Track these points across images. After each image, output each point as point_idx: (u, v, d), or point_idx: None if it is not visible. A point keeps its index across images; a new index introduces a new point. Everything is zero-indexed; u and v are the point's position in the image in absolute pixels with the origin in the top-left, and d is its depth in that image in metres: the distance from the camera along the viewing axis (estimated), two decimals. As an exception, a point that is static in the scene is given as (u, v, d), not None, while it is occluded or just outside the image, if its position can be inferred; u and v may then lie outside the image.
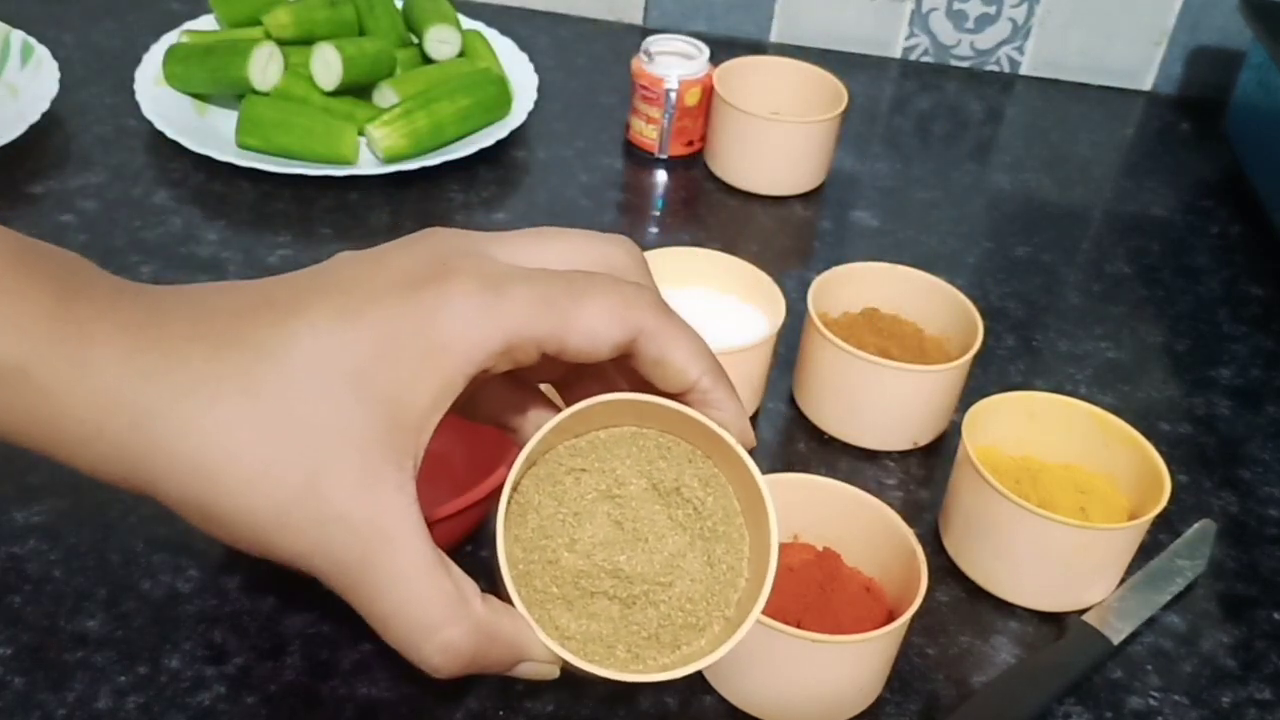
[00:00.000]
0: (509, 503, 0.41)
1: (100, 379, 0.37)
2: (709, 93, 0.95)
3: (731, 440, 0.42)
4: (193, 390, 0.37)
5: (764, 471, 0.42)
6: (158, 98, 0.92)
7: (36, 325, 0.37)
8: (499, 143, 0.93)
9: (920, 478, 0.71)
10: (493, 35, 1.04)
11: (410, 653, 0.38)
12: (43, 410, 0.38)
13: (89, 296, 0.39)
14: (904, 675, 0.59)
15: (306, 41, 0.94)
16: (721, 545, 0.42)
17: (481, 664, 0.39)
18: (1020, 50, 1.16)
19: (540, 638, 0.40)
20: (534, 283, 0.40)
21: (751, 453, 0.43)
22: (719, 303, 0.75)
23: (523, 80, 1.00)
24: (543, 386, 0.47)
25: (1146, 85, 1.17)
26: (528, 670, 0.40)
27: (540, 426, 0.41)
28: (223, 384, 0.37)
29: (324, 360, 0.38)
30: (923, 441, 0.73)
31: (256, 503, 0.38)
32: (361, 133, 0.92)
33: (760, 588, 0.41)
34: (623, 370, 0.44)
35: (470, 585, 0.39)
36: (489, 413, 0.46)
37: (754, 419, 0.74)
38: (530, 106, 0.97)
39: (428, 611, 0.38)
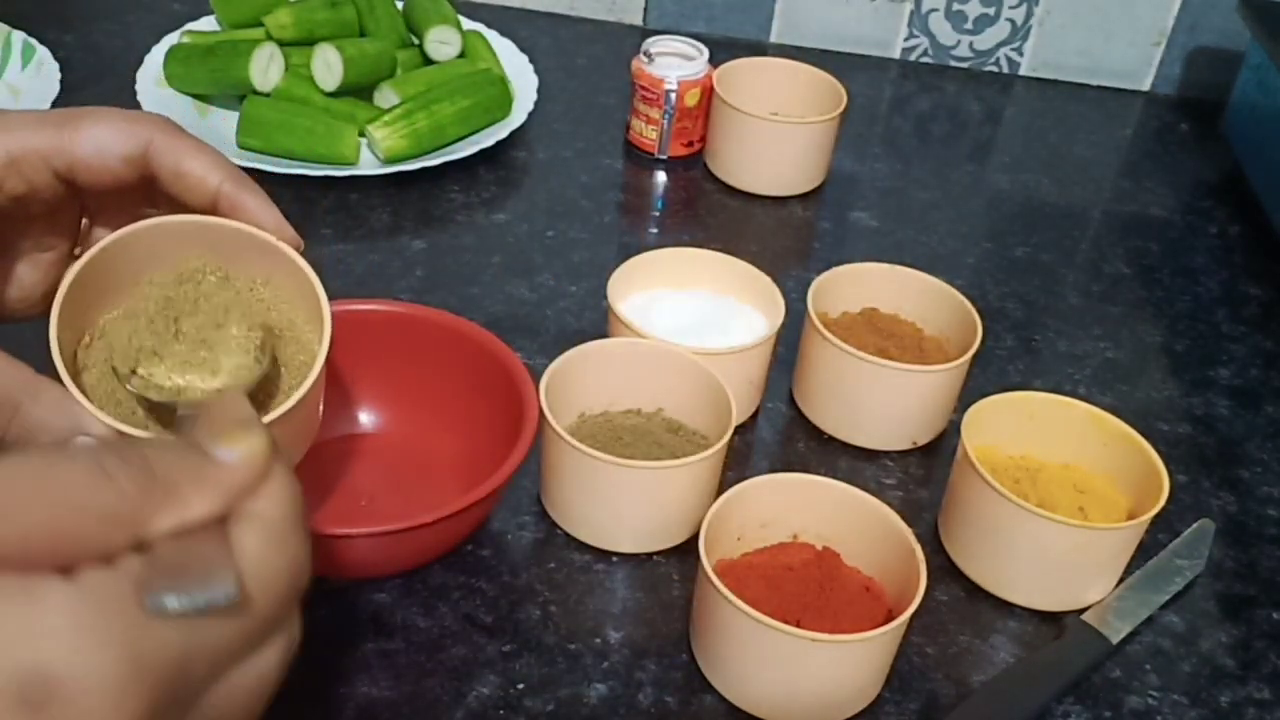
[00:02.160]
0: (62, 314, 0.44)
1: None
2: (709, 93, 0.95)
3: (267, 236, 0.46)
4: None
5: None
6: (159, 98, 0.92)
7: None
8: (499, 143, 0.93)
9: (919, 477, 0.71)
10: (493, 36, 1.05)
11: None
12: None
13: None
14: (903, 674, 0.59)
15: (307, 42, 0.94)
16: (291, 346, 0.47)
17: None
18: (1019, 51, 1.16)
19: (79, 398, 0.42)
20: (38, 113, 0.43)
21: (310, 260, 0.46)
22: (719, 303, 0.75)
23: (523, 81, 1.00)
24: None
25: (1145, 86, 1.17)
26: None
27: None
28: None
29: None
30: (922, 441, 0.73)
31: None
32: (362, 133, 0.92)
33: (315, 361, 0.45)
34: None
35: None
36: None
37: (754, 419, 0.74)
38: (530, 107, 0.97)
39: None
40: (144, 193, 0.46)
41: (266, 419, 0.43)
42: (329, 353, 0.46)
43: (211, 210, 0.46)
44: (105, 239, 0.44)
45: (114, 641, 0.28)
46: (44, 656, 0.27)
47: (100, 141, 0.43)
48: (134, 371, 0.44)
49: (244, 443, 0.33)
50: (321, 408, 0.49)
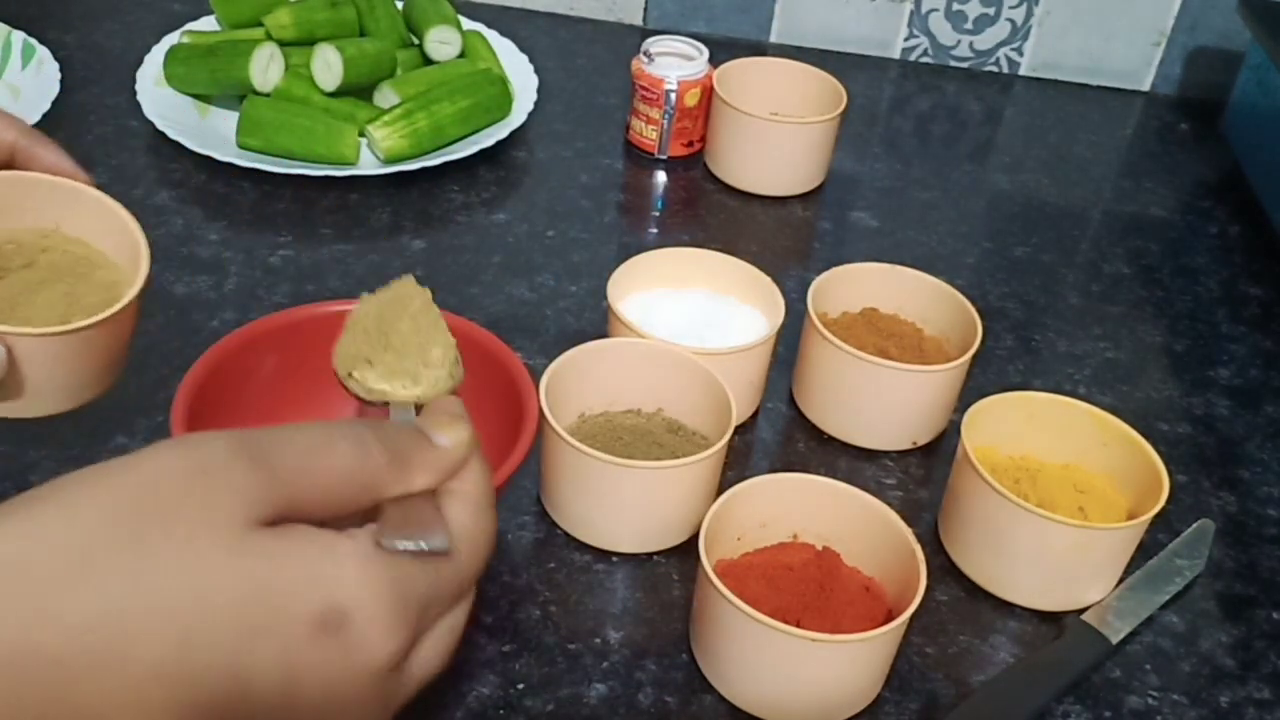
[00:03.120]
0: None
1: None
2: (709, 93, 0.95)
3: (70, 181, 0.50)
4: None
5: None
6: (159, 98, 0.92)
7: None
8: (499, 143, 0.93)
9: (919, 477, 0.71)
10: (493, 36, 1.05)
11: None
12: None
13: None
14: (903, 674, 0.59)
15: (307, 42, 0.94)
16: (104, 271, 0.51)
17: None
18: (1019, 51, 1.16)
19: None
20: None
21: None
22: (719, 303, 0.75)
23: (523, 81, 1.00)
24: None
25: (1145, 86, 1.17)
26: None
27: None
28: None
29: None
30: (922, 441, 0.73)
31: None
32: (362, 133, 0.92)
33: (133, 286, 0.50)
34: None
35: None
36: None
37: (754, 419, 0.74)
38: (530, 107, 0.97)
39: None
40: None
41: (92, 320, 0.48)
42: (147, 276, 0.50)
43: (7, 165, 0.50)
44: None
45: (384, 580, 0.35)
46: (341, 594, 0.34)
47: None
48: (350, 375, 0.53)
49: (456, 432, 0.40)
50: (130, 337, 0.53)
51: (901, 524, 0.58)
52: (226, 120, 0.93)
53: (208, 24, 1.00)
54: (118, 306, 0.49)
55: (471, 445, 0.40)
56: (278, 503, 0.34)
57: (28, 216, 0.51)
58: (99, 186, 0.51)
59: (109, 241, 0.52)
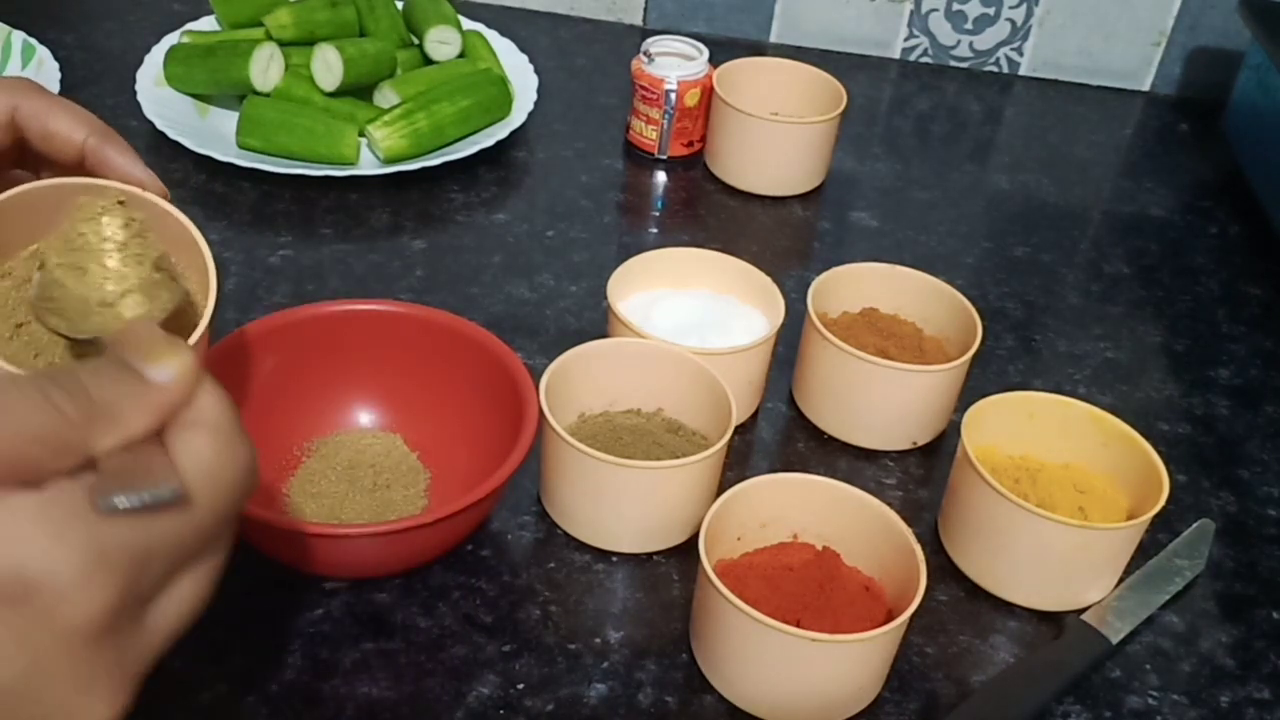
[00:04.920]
0: None
1: None
2: (709, 93, 0.95)
3: (136, 190, 0.48)
4: None
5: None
6: (159, 98, 0.92)
7: None
8: (499, 143, 0.93)
9: (919, 477, 0.71)
10: (493, 36, 1.05)
11: None
12: None
13: None
14: (903, 674, 0.59)
15: (307, 42, 0.94)
16: (165, 292, 0.47)
17: None
18: (1019, 51, 1.16)
19: None
20: None
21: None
22: (719, 303, 0.75)
23: (523, 81, 1.00)
24: None
25: (1145, 86, 1.17)
26: None
27: None
28: None
29: None
30: (922, 441, 0.73)
31: None
32: (362, 133, 0.92)
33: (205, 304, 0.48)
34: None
35: None
36: None
37: (754, 419, 0.74)
38: (530, 107, 0.97)
39: None
40: (14, 156, 0.48)
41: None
42: (217, 297, 0.49)
43: (80, 166, 0.48)
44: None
45: (79, 540, 0.31)
46: (18, 557, 0.30)
47: None
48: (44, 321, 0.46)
49: (173, 361, 0.35)
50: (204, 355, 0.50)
51: (901, 524, 0.58)
52: (226, 120, 0.93)
53: (208, 24, 1.00)
54: (196, 336, 0.47)
55: (194, 371, 0.35)
56: None
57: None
58: (170, 199, 0.49)
59: (177, 257, 0.50)
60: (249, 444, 0.36)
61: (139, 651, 0.34)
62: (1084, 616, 0.63)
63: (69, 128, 0.48)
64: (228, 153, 0.88)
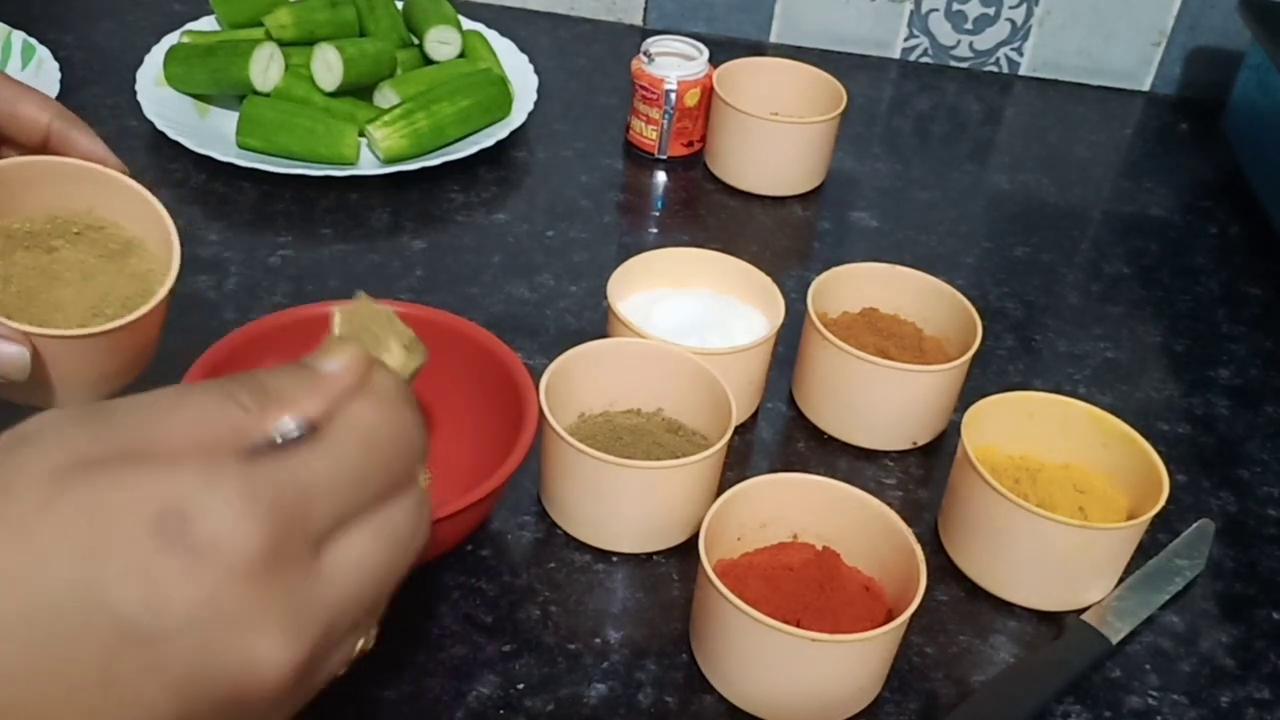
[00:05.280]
0: None
1: None
2: (709, 93, 0.95)
3: (101, 168, 0.52)
4: None
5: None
6: (159, 98, 0.92)
7: None
8: (499, 143, 0.93)
9: (919, 477, 0.71)
10: (493, 36, 1.05)
11: None
12: None
13: None
14: (903, 674, 0.59)
15: (307, 42, 0.94)
16: (143, 262, 0.53)
17: None
18: (1019, 51, 1.16)
19: None
20: None
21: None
22: (719, 303, 0.75)
23: (523, 81, 1.00)
24: None
25: (1145, 86, 1.17)
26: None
27: None
28: None
29: None
30: (922, 441, 0.73)
31: None
32: (362, 133, 0.92)
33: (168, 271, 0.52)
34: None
35: None
36: None
37: (754, 419, 0.74)
38: (530, 107, 0.97)
39: None
40: None
41: (120, 322, 0.49)
42: (180, 268, 0.52)
43: (42, 148, 0.52)
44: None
45: (230, 481, 0.32)
46: (174, 495, 0.32)
47: None
48: None
49: (342, 354, 0.37)
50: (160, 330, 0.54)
51: (901, 524, 0.58)
52: (226, 120, 0.93)
53: (208, 24, 1.00)
54: (145, 309, 0.50)
55: (364, 360, 0.37)
56: (108, 450, 0.32)
57: (62, 200, 0.52)
58: (132, 175, 0.52)
59: (141, 229, 0.53)
60: (414, 410, 0.38)
61: (315, 598, 0.35)
62: (1084, 616, 0.63)
63: (35, 112, 0.52)
64: (228, 153, 0.88)
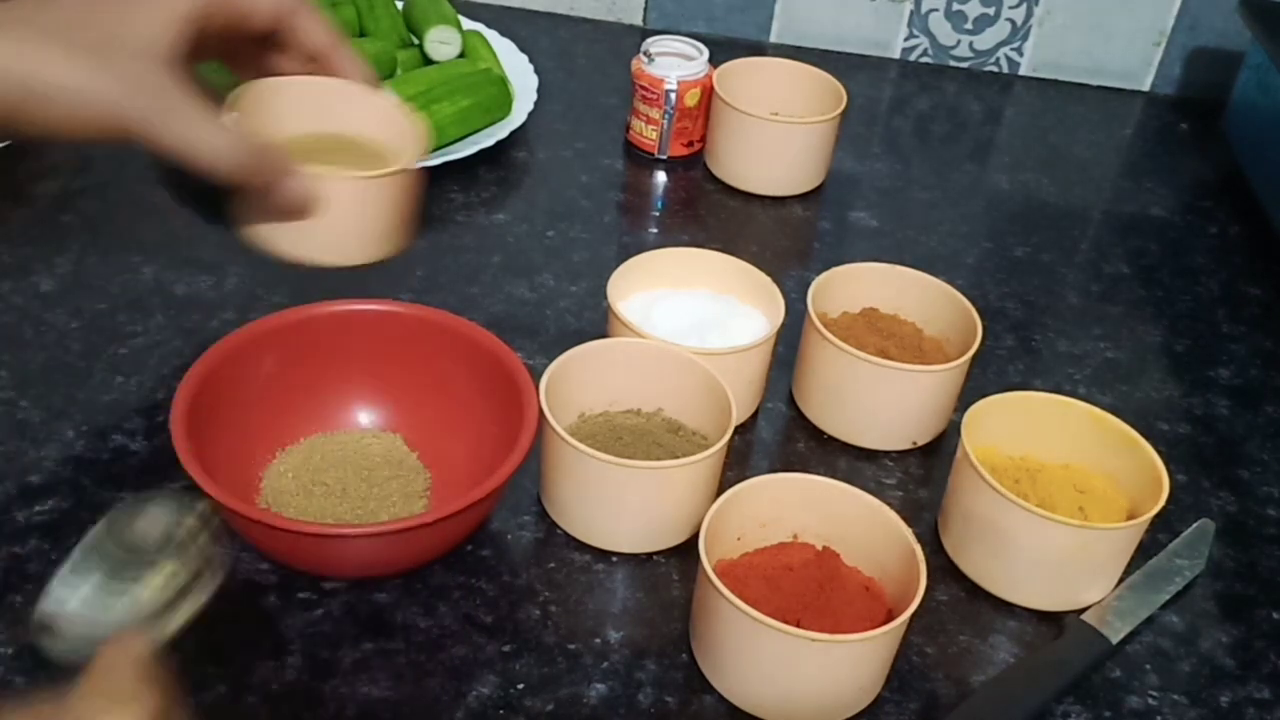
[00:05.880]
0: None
1: None
2: (709, 93, 0.95)
3: (361, 85, 0.62)
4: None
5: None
6: (158, 98, 0.92)
7: None
8: (499, 143, 0.93)
9: (919, 477, 0.71)
10: (493, 36, 1.05)
11: (208, 160, 0.56)
12: None
13: None
14: (903, 674, 0.59)
15: (307, 42, 0.94)
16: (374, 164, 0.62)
17: (250, 169, 0.57)
18: (1019, 51, 1.16)
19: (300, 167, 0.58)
20: None
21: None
22: (719, 303, 0.75)
23: (523, 81, 1.00)
24: None
25: (1145, 86, 1.17)
26: (293, 186, 0.58)
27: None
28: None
29: None
30: (922, 441, 0.73)
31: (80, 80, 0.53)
32: (362, 133, 0.92)
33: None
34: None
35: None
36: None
37: (754, 419, 0.74)
38: (530, 107, 0.97)
39: (214, 134, 0.56)
40: (215, 47, 0.61)
41: (392, 169, 0.60)
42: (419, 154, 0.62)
43: (272, 29, 0.61)
44: (259, 82, 0.61)
45: None
46: None
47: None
48: None
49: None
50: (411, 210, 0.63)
51: (901, 524, 0.58)
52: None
53: (208, 24, 1.00)
54: (407, 165, 0.60)
55: None
56: None
57: (316, 120, 0.63)
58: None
59: (383, 131, 0.63)
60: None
61: None
62: (1084, 616, 0.63)
63: (320, 29, 0.62)
64: (228, 153, 0.87)
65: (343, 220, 0.61)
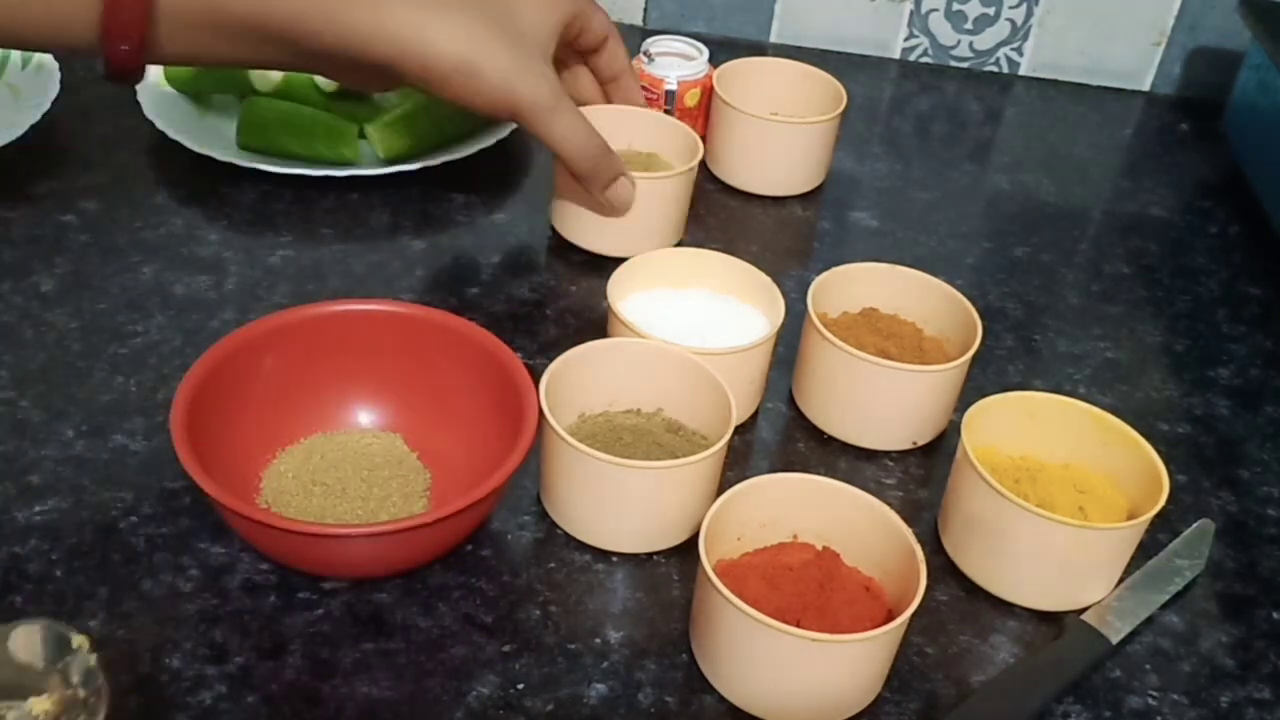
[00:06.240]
0: None
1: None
2: (709, 93, 0.95)
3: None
4: None
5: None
6: (158, 98, 0.92)
7: None
8: (499, 143, 0.93)
9: (919, 477, 0.71)
10: (493, 36, 1.04)
11: (573, 152, 0.71)
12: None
13: None
14: (903, 674, 0.59)
15: (307, 42, 0.94)
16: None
17: (600, 165, 0.73)
18: (1019, 51, 1.16)
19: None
20: None
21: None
22: (719, 303, 0.75)
23: (523, 81, 1.00)
24: None
25: (1145, 85, 1.17)
26: (620, 188, 0.76)
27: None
28: None
29: None
30: (922, 441, 0.73)
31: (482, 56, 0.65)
32: (362, 133, 0.92)
33: None
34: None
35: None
36: None
37: (754, 419, 0.74)
38: (530, 107, 0.97)
39: (584, 131, 0.70)
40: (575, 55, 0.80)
41: (686, 167, 0.82)
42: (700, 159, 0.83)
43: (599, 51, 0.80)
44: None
45: None
46: None
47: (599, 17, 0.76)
48: None
49: None
50: None
51: (901, 524, 0.58)
52: (226, 120, 0.93)
53: (208, 24, 1.00)
54: (693, 163, 0.82)
55: None
56: None
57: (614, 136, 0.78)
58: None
59: (668, 145, 0.86)
60: None
61: None
62: (1084, 616, 0.63)
63: (603, 21, 0.77)
64: (228, 153, 0.88)
65: (647, 216, 0.80)
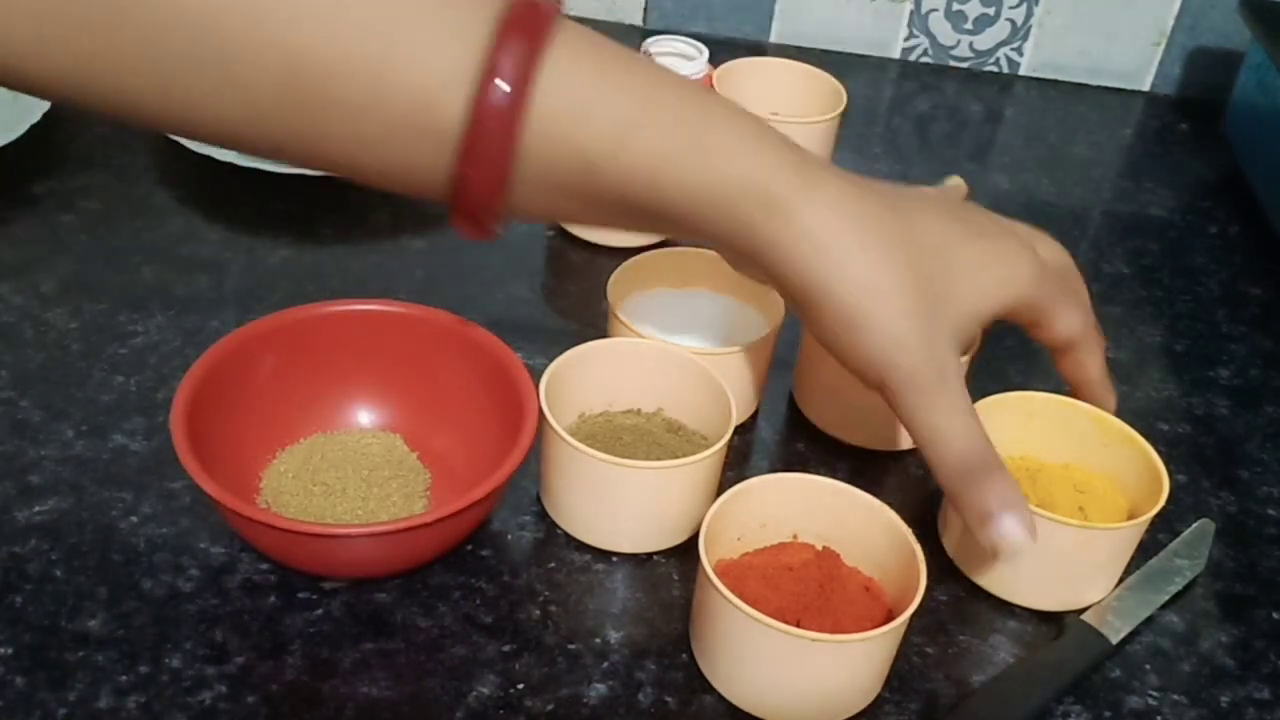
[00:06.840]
0: None
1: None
2: (709, 93, 0.95)
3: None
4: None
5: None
6: (158, 98, 0.92)
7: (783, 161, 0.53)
8: (499, 143, 0.93)
9: (919, 477, 0.71)
10: (493, 36, 1.04)
11: (941, 453, 0.53)
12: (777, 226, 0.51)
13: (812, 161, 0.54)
14: (903, 674, 0.59)
15: (307, 42, 0.94)
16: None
17: (978, 479, 0.53)
18: (1019, 51, 1.16)
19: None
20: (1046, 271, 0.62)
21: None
22: (718, 303, 0.75)
23: (523, 81, 1.00)
24: None
25: (1145, 86, 1.17)
26: (1006, 526, 0.52)
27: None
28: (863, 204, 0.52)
29: (943, 236, 0.56)
30: (922, 441, 0.73)
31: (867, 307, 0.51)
32: (362, 133, 0.92)
33: None
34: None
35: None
36: None
37: (753, 419, 0.74)
38: (530, 107, 0.97)
39: (958, 424, 0.53)
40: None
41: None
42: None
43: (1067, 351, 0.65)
44: None
45: None
46: None
47: (1067, 318, 0.63)
48: None
49: None
50: None
51: (901, 524, 0.58)
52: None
53: (208, 24, 1.00)
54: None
55: None
56: None
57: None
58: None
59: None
60: None
61: None
62: (1084, 616, 0.63)
63: (1067, 326, 0.62)
64: (228, 153, 0.88)
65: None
